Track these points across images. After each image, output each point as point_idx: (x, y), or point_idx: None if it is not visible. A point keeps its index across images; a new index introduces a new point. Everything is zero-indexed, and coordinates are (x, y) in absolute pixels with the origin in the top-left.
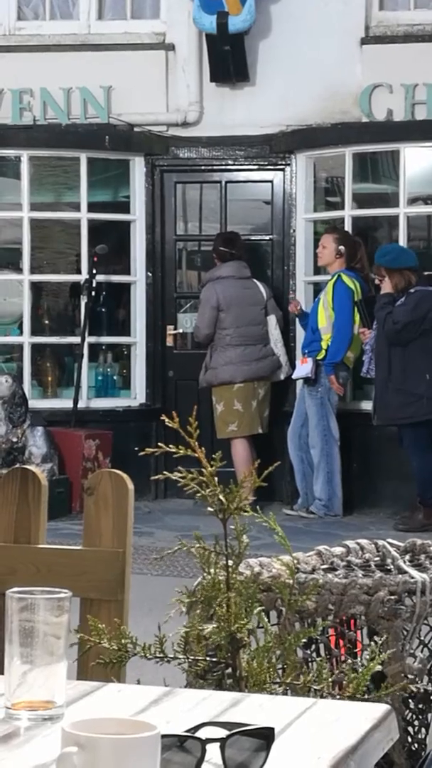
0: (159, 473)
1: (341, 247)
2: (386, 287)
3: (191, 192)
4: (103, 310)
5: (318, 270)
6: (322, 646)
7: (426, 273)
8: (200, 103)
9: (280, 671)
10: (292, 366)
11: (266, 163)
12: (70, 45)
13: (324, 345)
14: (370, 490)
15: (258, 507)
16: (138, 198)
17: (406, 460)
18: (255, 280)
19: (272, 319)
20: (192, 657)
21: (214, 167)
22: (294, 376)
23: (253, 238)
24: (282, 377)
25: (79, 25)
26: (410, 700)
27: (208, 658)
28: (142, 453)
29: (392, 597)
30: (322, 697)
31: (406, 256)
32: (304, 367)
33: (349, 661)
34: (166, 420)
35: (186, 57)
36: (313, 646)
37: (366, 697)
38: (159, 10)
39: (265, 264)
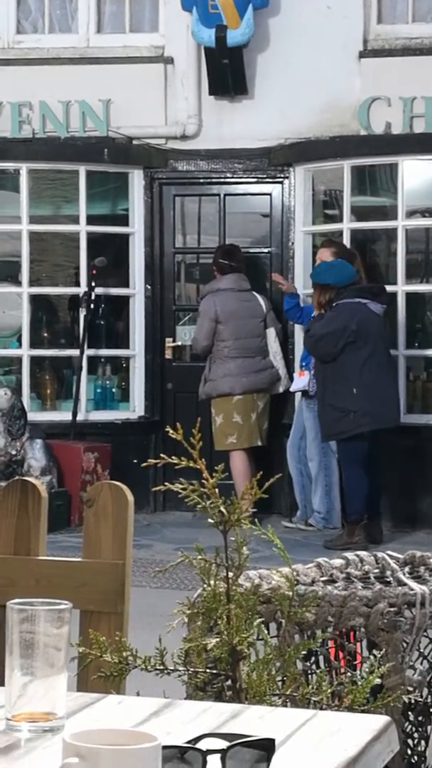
0: (158, 485)
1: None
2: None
3: (190, 205)
4: (102, 322)
5: None
6: (321, 658)
7: (367, 285)
8: (199, 116)
9: (279, 683)
10: (292, 379)
11: (265, 176)
12: (69, 58)
13: None
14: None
15: (257, 519)
16: (137, 211)
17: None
18: (255, 293)
19: (271, 332)
20: (192, 669)
21: (213, 180)
22: (292, 389)
23: (251, 250)
24: (281, 390)
25: (78, 38)
26: (410, 713)
27: (208, 670)
28: (144, 464)
29: (392, 609)
30: (321, 709)
31: (329, 273)
32: (301, 380)
33: (349, 673)
34: (170, 432)
35: (185, 70)
36: (313, 658)
37: (365, 708)
38: (158, 23)
39: (263, 277)
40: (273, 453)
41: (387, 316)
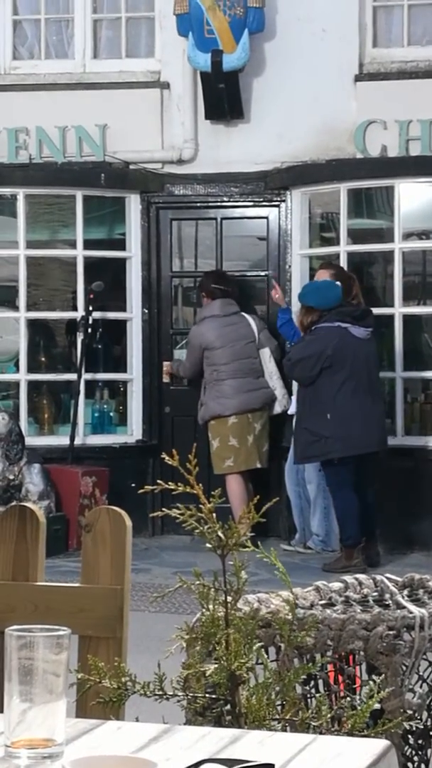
0: (156, 510)
1: (337, 284)
2: None
3: (187, 229)
4: (100, 346)
5: None
6: (321, 682)
7: (350, 308)
8: (195, 141)
9: (279, 708)
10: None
11: (261, 199)
12: (66, 84)
13: None
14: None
15: (258, 543)
16: (134, 235)
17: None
18: (244, 314)
19: (266, 352)
20: (191, 694)
21: (210, 204)
22: (290, 411)
23: (248, 274)
24: (279, 410)
25: (74, 64)
26: (410, 736)
27: (207, 695)
28: (141, 491)
29: (391, 632)
30: (321, 733)
31: (312, 295)
32: None
33: (348, 697)
34: (166, 458)
35: (181, 95)
36: (312, 682)
37: (365, 733)
38: (154, 48)
39: (260, 300)
40: (271, 475)
41: (381, 338)
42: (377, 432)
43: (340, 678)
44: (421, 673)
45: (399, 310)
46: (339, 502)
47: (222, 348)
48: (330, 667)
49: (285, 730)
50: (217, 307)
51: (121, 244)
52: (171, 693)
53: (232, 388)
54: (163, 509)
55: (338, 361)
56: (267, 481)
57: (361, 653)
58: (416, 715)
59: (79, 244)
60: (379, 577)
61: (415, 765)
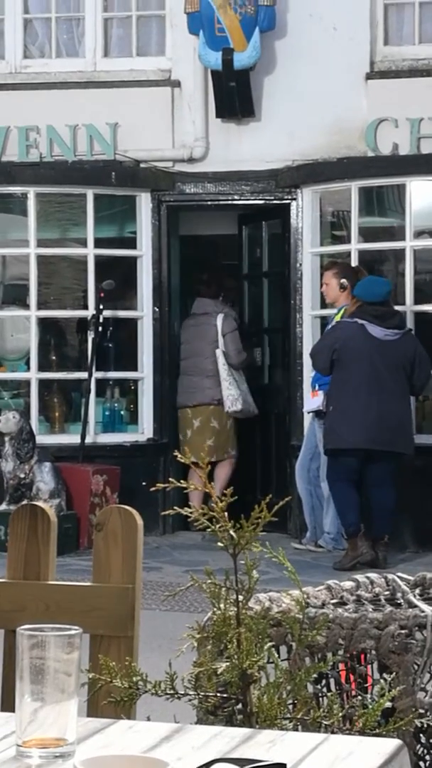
0: (167, 508)
1: (343, 281)
2: None
3: None
4: (110, 345)
5: (324, 304)
6: (332, 681)
7: (373, 307)
8: (206, 139)
9: (290, 707)
10: (247, 401)
11: (272, 197)
12: (76, 82)
13: None
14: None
15: (267, 542)
16: (144, 233)
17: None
18: (215, 315)
19: (219, 354)
20: (202, 693)
21: (221, 202)
22: (305, 410)
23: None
24: (228, 409)
25: (85, 62)
26: (421, 735)
27: (218, 694)
28: (153, 489)
29: (402, 631)
30: (332, 732)
31: (359, 286)
32: (315, 401)
33: (360, 696)
34: (179, 456)
35: (191, 93)
36: (324, 681)
37: (377, 731)
38: (164, 47)
39: (271, 298)
40: (281, 474)
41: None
42: (376, 432)
43: (352, 677)
44: None
45: (410, 308)
46: (335, 493)
47: (183, 344)
48: (341, 666)
49: (296, 729)
50: (195, 306)
51: (131, 243)
52: (182, 692)
53: (181, 383)
54: (175, 508)
55: (345, 356)
56: (278, 480)
57: (373, 652)
58: (428, 713)
59: (90, 242)
60: (390, 576)
61: (427, 764)
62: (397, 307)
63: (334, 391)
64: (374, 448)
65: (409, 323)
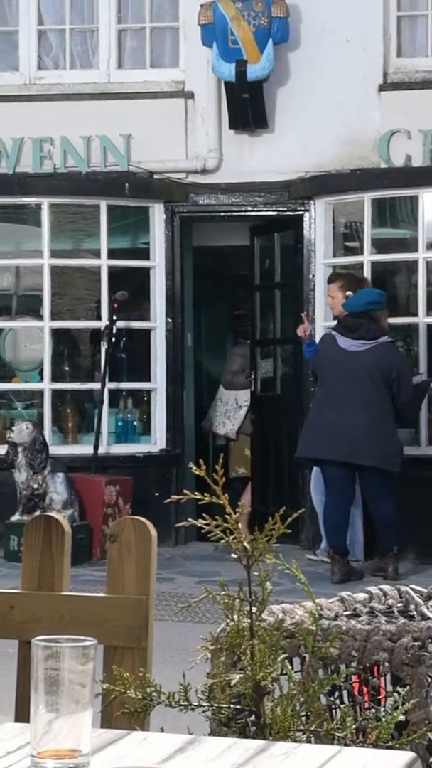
0: (179, 519)
1: (348, 293)
2: None
3: None
4: (123, 356)
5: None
6: (345, 693)
7: (345, 318)
8: (219, 150)
9: (304, 718)
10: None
11: (285, 209)
12: (90, 94)
13: None
14: None
15: (280, 553)
16: (158, 244)
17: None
18: None
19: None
20: (216, 705)
21: (234, 214)
22: None
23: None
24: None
25: (99, 74)
26: None
27: (232, 706)
28: (167, 500)
29: (416, 643)
30: (346, 744)
31: (350, 299)
32: None
33: (373, 708)
34: (193, 468)
35: (205, 105)
36: (337, 693)
37: (390, 744)
38: (178, 58)
39: (283, 309)
40: (294, 485)
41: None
42: (331, 443)
43: (365, 689)
44: None
45: (423, 319)
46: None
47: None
48: (354, 678)
49: (310, 741)
50: None
51: (145, 254)
52: (196, 703)
53: None
54: (189, 519)
55: (318, 369)
56: (292, 491)
57: (386, 664)
58: None
59: (104, 253)
60: (403, 588)
61: None
62: (409, 319)
63: (312, 403)
64: (327, 458)
65: (422, 335)
